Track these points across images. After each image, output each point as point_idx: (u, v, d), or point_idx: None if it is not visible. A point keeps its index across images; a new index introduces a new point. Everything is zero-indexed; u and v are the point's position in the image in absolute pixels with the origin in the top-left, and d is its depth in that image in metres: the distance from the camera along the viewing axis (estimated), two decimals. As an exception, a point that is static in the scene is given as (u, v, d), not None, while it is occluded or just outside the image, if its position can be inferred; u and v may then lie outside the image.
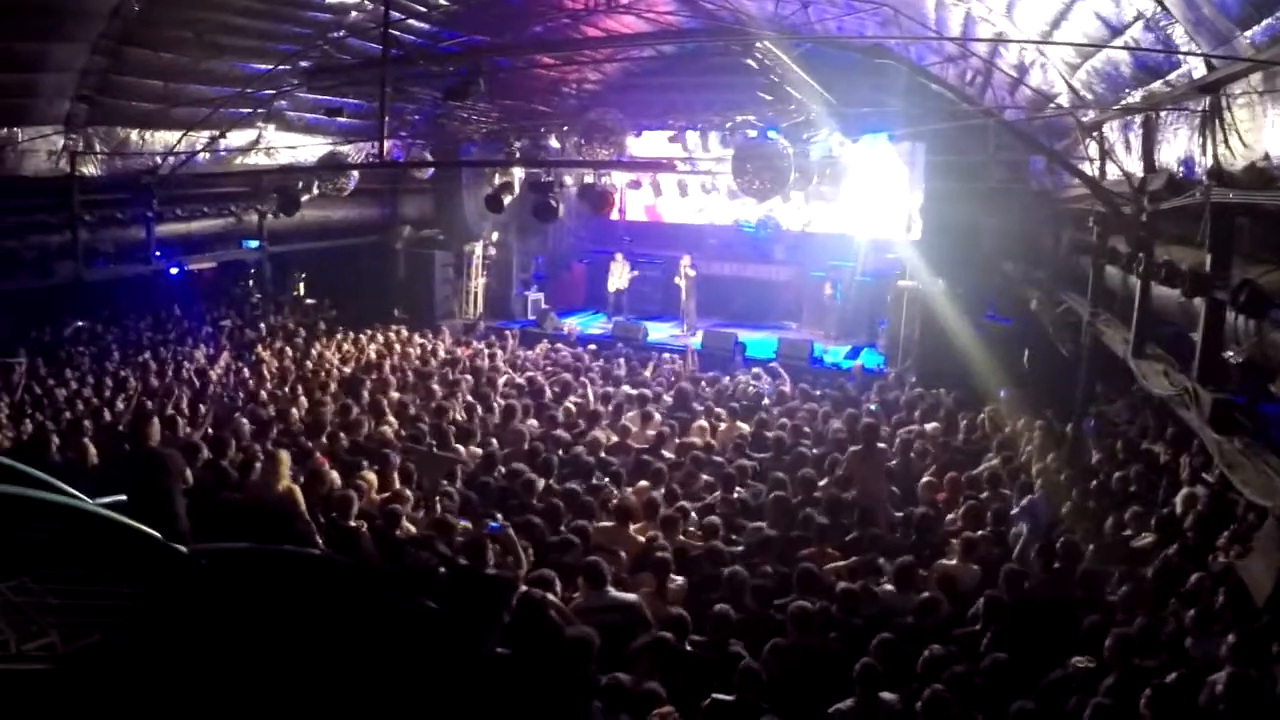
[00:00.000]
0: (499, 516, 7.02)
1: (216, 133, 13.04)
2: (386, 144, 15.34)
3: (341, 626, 5.53)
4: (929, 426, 10.71)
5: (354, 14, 12.64)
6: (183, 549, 5.94)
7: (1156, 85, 7.00)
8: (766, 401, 11.44)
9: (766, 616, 6.20)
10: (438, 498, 7.64)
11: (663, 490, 8.16)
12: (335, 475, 7.78)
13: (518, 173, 14.98)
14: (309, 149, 14.21)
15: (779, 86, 10.16)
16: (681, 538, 7.19)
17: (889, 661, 5.52)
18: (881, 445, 9.22)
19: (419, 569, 6.32)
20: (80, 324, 14.20)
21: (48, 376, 11.90)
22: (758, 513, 7.91)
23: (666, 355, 13.54)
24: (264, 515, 6.92)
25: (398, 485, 7.98)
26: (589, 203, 12.91)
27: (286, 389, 11.53)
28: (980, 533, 7.78)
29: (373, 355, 13.13)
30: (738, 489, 8.32)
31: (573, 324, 17.39)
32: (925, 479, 8.73)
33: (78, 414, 10.20)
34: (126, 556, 5.56)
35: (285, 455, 7.44)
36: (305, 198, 12.41)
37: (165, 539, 5.78)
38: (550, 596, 6.03)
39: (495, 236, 17.76)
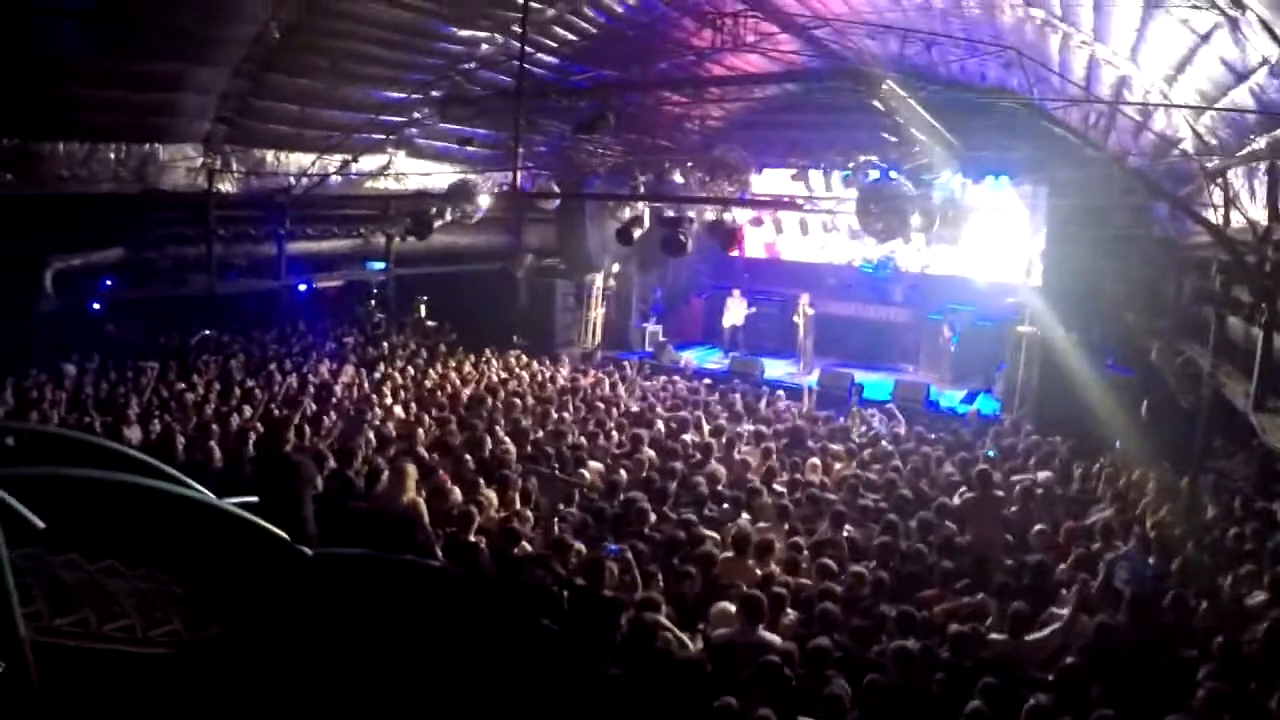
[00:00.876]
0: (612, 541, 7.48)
1: (348, 157, 14.17)
2: (514, 174, 16.59)
3: (457, 637, 6.09)
4: (1042, 475, 10.85)
5: (485, 47, 13.61)
6: (308, 552, 6.61)
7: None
8: (884, 443, 11.74)
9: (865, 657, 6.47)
10: (555, 519, 8.19)
11: (785, 526, 8.60)
12: (458, 491, 8.22)
13: (643, 206, 15.70)
14: (437, 176, 15.30)
15: (903, 128, 10.61)
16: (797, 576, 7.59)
17: (995, 706, 5.78)
18: (998, 491, 9.46)
19: (535, 587, 6.82)
20: (208, 332, 15.12)
21: (176, 381, 12.74)
22: (868, 553, 8.26)
23: (781, 393, 13.97)
24: (388, 525, 7.29)
25: (517, 505, 8.43)
26: (717, 239, 13.51)
27: (410, 406, 12.40)
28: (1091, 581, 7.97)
29: (493, 378, 13.97)
30: (848, 528, 8.69)
31: (689, 357, 18.02)
32: (1038, 527, 8.93)
33: (204, 418, 10.90)
34: (254, 555, 6.25)
35: (412, 469, 7.85)
36: (437, 224, 13.35)
37: (293, 541, 6.45)
38: (662, 620, 6.50)
39: (616, 268, 18.56)
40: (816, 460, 10.77)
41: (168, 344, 14.62)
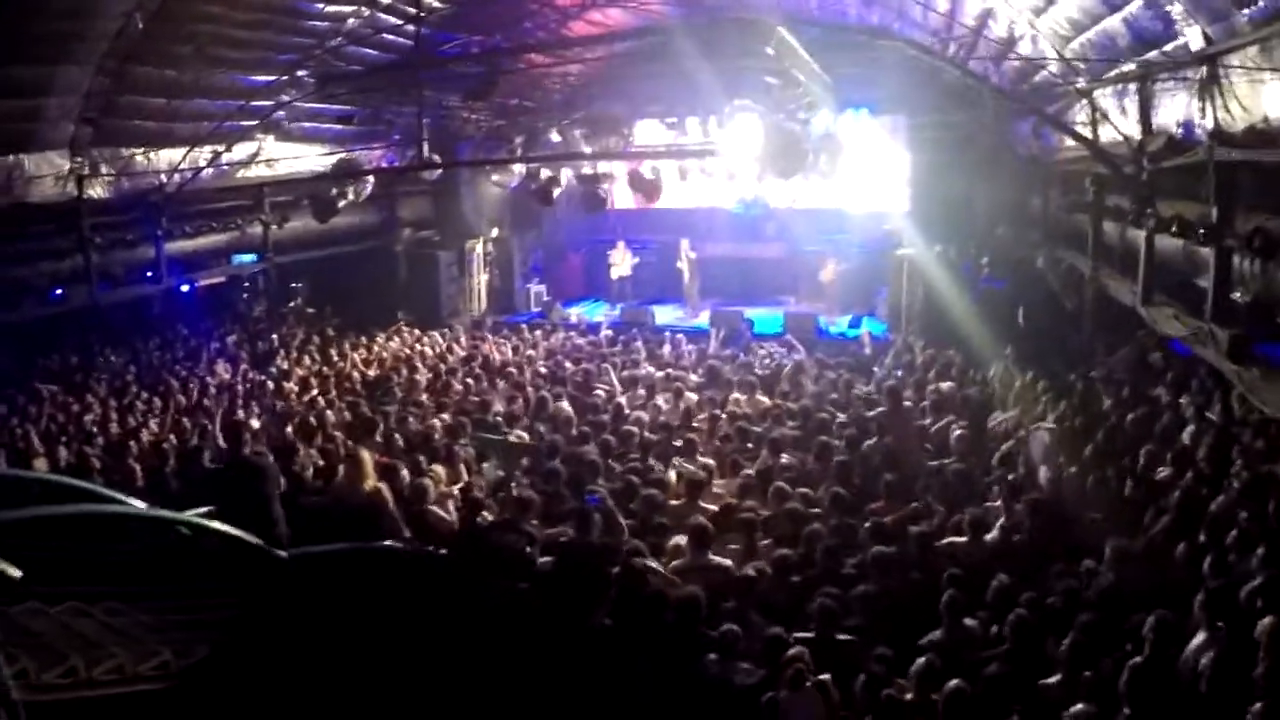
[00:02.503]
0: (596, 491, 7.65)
1: (219, 148, 13.50)
2: (378, 150, 16.14)
3: (446, 615, 6.13)
4: (944, 385, 11.63)
5: (351, 21, 13.19)
6: (283, 554, 6.46)
7: (1153, 55, 7.93)
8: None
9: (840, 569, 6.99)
10: (513, 484, 8.28)
11: (727, 460, 8.94)
12: (405, 470, 8.23)
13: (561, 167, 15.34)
14: (308, 159, 14.73)
15: (787, 71, 10.96)
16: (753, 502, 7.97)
17: (966, 592, 6.36)
18: (907, 404, 10.12)
19: (507, 551, 6.96)
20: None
21: (69, 403, 12.15)
22: (811, 476, 8.72)
23: (681, 337, 14.30)
24: (350, 515, 7.32)
25: (465, 476, 8.55)
26: (641, 190, 13.59)
27: (318, 395, 12.09)
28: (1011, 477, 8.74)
29: (394, 356, 13.73)
30: (785, 455, 9.12)
31: (579, 312, 18.15)
32: (957, 432, 9.63)
33: (111, 437, 10.51)
34: (227, 566, 6.08)
35: (368, 455, 7.90)
36: (341, 204, 12.90)
37: (266, 545, 6.29)
38: (650, 563, 6.74)
39: (495, 233, 18.40)
40: (739, 395, 11.17)
41: (48, 366, 13.69)
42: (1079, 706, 5.13)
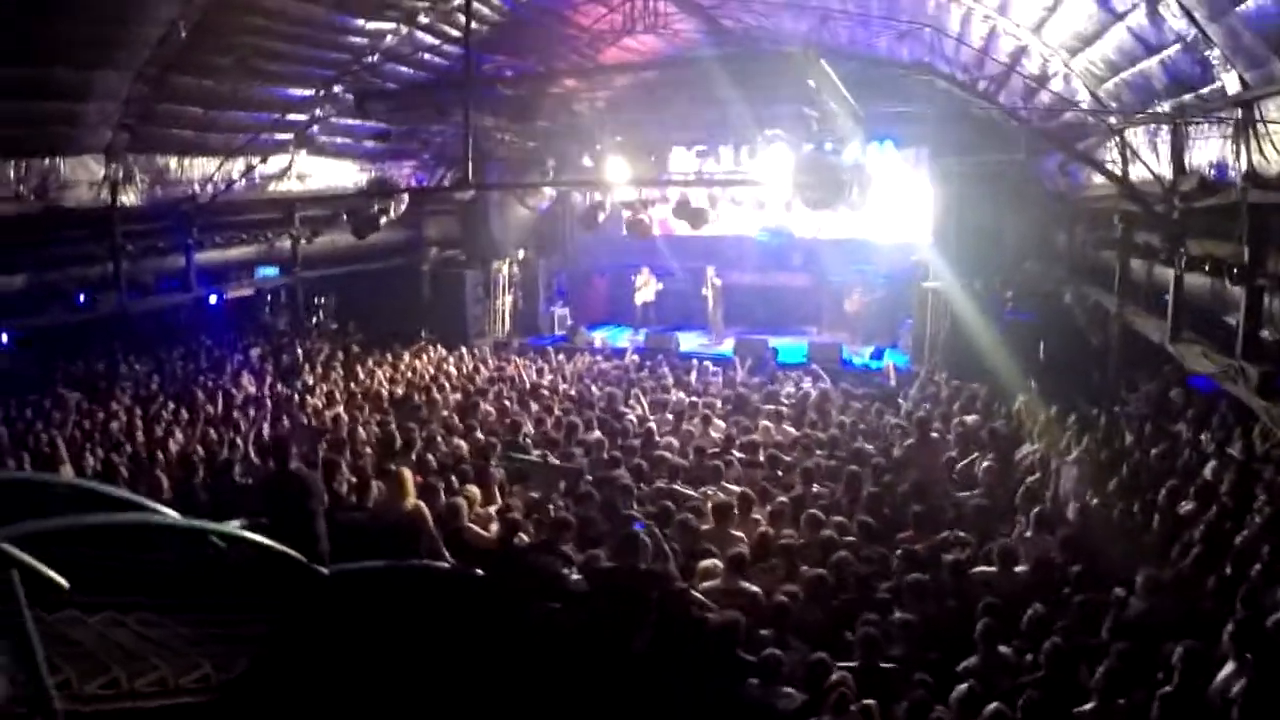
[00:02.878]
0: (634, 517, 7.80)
1: (254, 160, 13.78)
2: (407, 168, 16.47)
3: (484, 635, 6.26)
4: (969, 419, 11.82)
5: (389, 39, 13.51)
6: (324, 570, 6.57)
7: (1187, 97, 8.19)
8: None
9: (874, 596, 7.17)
10: (550, 506, 8.42)
11: (758, 487, 9.12)
12: (441, 490, 8.33)
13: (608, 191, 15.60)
14: (339, 175, 15.04)
15: (824, 102, 11.25)
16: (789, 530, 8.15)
17: (1000, 620, 6.53)
18: (934, 435, 10.31)
19: (543, 573, 7.09)
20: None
21: (94, 410, 12.28)
22: (840, 506, 8.90)
23: (708, 363, 14.52)
24: (390, 533, 7.40)
25: (498, 498, 8.67)
26: (686, 218, 13.85)
27: (344, 411, 12.29)
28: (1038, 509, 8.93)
29: (421, 375, 13.95)
30: (815, 485, 9.30)
31: (602, 336, 18.43)
32: (985, 464, 9.81)
33: (138, 446, 10.66)
34: (264, 580, 6.18)
35: (409, 473, 8.00)
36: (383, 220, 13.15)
37: (307, 560, 6.39)
38: (691, 589, 6.88)
39: (521, 254, 18.70)
40: (768, 423, 11.37)
41: (71, 372, 13.92)
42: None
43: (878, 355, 16.53)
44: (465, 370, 14.49)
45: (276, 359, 15.09)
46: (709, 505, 8.46)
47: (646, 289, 19.04)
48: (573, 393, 12.95)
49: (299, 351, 15.18)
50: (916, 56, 13.95)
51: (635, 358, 15.01)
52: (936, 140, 14.73)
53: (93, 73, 10.48)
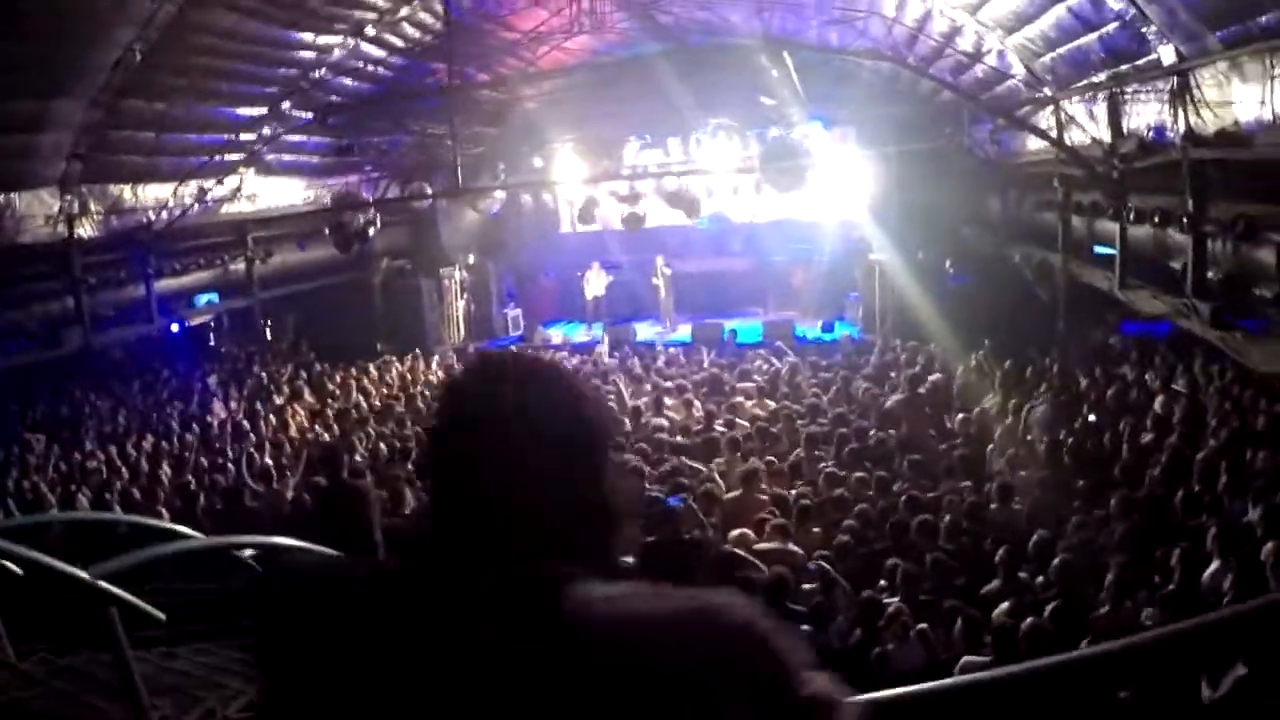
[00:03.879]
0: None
1: (207, 183, 13.90)
2: (354, 179, 16.78)
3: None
4: (933, 377, 12.90)
5: (337, 53, 13.84)
6: None
7: (1124, 68, 9.32)
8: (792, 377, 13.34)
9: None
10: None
11: (757, 459, 9.96)
12: None
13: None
14: (287, 193, 15.30)
15: (778, 89, 12.13)
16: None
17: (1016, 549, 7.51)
18: (922, 392, 11.36)
19: None
20: None
21: (68, 451, 12.24)
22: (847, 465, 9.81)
23: (673, 349, 15.31)
24: None
25: None
26: (681, 208, 14.51)
27: (329, 427, 12.65)
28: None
29: (387, 388, 14.36)
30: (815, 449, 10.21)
31: (559, 334, 18.99)
32: (960, 416, 10.89)
33: (125, 482, 10.67)
34: None
35: None
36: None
37: None
38: (738, 551, 7.65)
39: (471, 260, 19.13)
40: (746, 400, 12.23)
41: (28, 414, 13.86)
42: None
43: (828, 328, 17.64)
44: (438, 377, 14.93)
45: (240, 382, 15.26)
46: (737, 472, 9.24)
47: (596, 283, 19.72)
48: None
49: (263, 374, 15.36)
50: (845, 41, 14.98)
51: (603, 349, 15.66)
52: (871, 120, 15.81)
53: (49, 102, 10.44)
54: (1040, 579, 7.33)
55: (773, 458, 10.16)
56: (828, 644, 6.57)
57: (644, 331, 18.75)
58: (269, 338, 17.81)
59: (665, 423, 11.46)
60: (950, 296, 15.07)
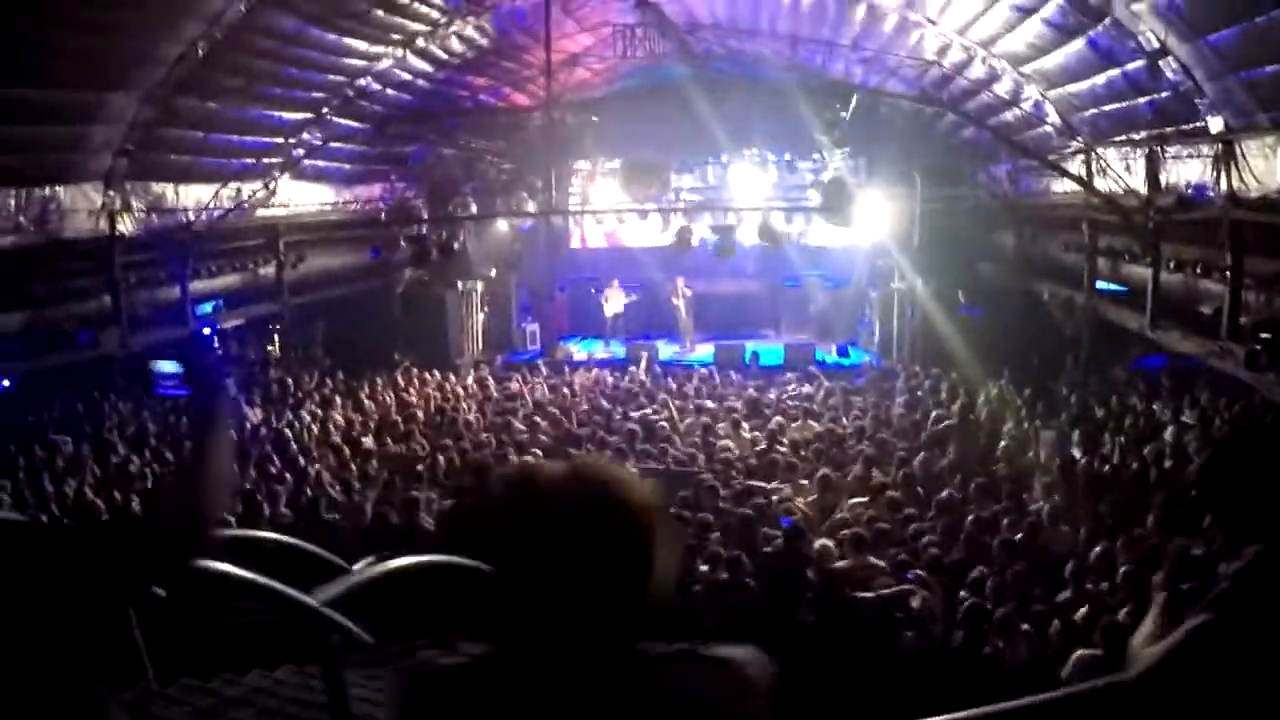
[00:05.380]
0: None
1: (248, 185, 14.75)
2: (376, 189, 17.82)
3: None
4: (955, 405, 14.43)
5: (384, 63, 14.87)
6: None
7: (1169, 130, 10.99)
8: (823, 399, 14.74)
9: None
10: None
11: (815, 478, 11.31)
12: None
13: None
14: (316, 198, 16.27)
15: (835, 125, 13.59)
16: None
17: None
18: (972, 419, 12.88)
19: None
20: None
21: (99, 453, 12.64)
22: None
23: (704, 371, 16.67)
24: None
25: None
26: (766, 239, 15.80)
27: (373, 440, 13.49)
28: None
29: (436, 398, 15.38)
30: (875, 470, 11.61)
31: (575, 349, 20.29)
32: (1003, 442, 12.45)
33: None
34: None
35: None
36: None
37: None
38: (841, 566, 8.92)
39: (493, 273, 20.21)
40: (784, 421, 13.59)
41: (51, 416, 14.28)
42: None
43: (843, 352, 19.20)
44: (469, 391, 15.97)
45: (265, 389, 15.98)
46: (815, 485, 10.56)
47: (615, 300, 20.98)
48: (604, 405, 14.74)
49: (289, 380, 16.15)
50: (871, 78, 16.58)
51: (641, 369, 16.93)
52: (893, 156, 17.46)
53: (106, 94, 11.03)
54: (1105, 584, 8.87)
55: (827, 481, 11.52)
56: (933, 646, 7.94)
57: (663, 350, 19.98)
58: (281, 345, 18.38)
59: (732, 445, 12.67)
60: (967, 327, 16.71)
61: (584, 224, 21.43)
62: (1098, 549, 9.17)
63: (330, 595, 4.83)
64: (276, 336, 18.09)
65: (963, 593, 8.53)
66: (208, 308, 17.01)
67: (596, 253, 22.69)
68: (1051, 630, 8.00)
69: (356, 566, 5.32)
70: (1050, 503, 10.61)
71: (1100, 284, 14.19)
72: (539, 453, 11.72)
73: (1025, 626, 7.87)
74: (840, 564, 9.01)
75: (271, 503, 10.37)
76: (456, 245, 13.32)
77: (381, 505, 10.08)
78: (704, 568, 8.64)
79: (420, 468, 11.81)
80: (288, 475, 11.90)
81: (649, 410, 14.03)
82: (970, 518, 10.04)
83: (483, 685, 1.61)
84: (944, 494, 10.63)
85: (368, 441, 13.40)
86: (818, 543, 9.34)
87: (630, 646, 1.59)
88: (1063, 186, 14.20)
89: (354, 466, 12.27)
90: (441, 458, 12.06)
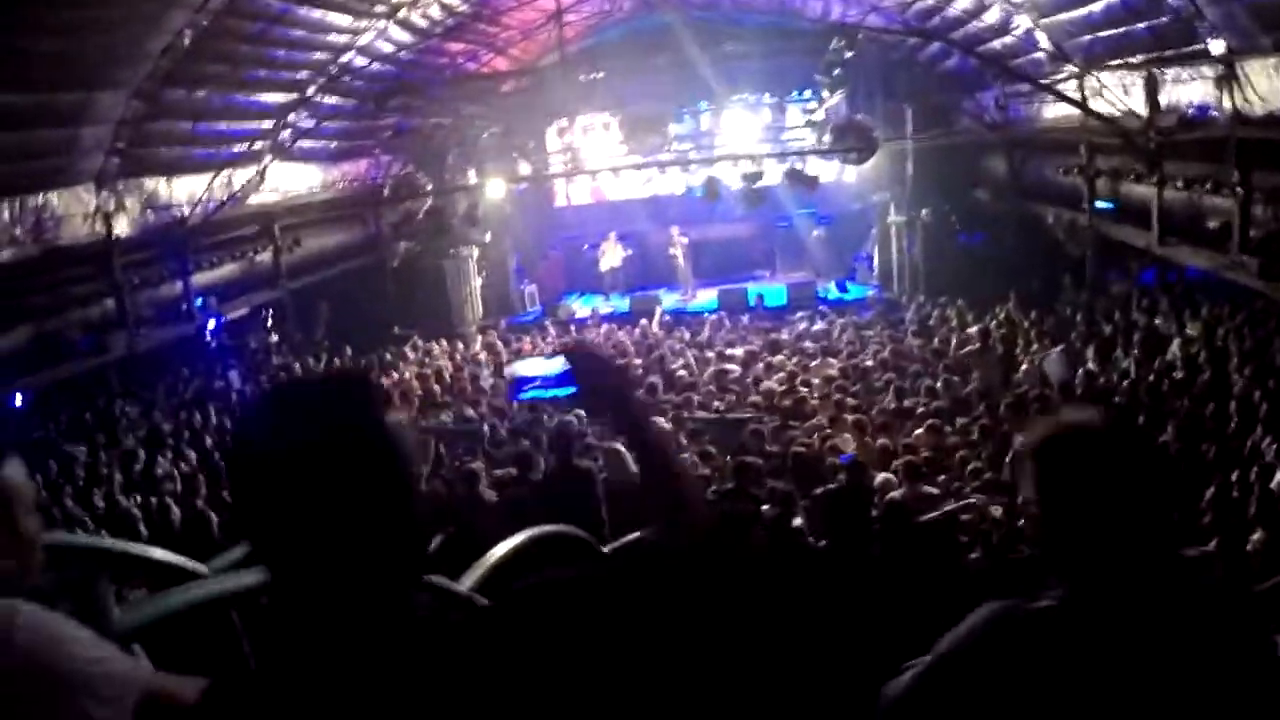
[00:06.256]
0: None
1: (240, 172, 14.95)
2: (360, 165, 18.13)
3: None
4: (971, 330, 15.28)
5: (366, 36, 15.11)
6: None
7: (1168, 53, 11.73)
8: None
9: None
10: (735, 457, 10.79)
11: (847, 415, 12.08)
12: None
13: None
14: (305, 179, 16.57)
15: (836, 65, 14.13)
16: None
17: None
18: (992, 343, 13.72)
19: (741, 515, 9.56)
20: None
21: (119, 459, 12.61)
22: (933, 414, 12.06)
23: (715, 317, 17.36)
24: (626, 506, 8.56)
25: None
26: (801, 185, 16.29)
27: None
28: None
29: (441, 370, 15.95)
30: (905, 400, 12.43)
31: (578, 305, 20.94)
32: (1025, 367, 13.32)
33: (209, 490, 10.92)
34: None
35: (624, 449, 8.87)
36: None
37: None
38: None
39: (488, 237, 20.62)
40: (816, 361, 14.36)
41: (52, 429, 14.28)
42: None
43: (842, 288, 20.02)
44: (481, 357, 16.50)
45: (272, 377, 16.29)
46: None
47: (612, 254, 21.55)
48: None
49: (295, 366, 16.54)
50: (850, 13, 17.13)
51: (654, 321, 17.61)
52: (881, 90, 18.12)
53: (94, 93, 11.07)
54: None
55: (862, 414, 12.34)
56: (996, 562, 8.75)
57: (665, 300, 20.59)
58: (280, 331, 18.59)
59: (770, 386, 13.21)
60: (966, 254, 17.56)
61: (565, 181, 21.87)
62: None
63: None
64: (270, 323, 18.37)
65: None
66: (198, 301, 17.26)
67: (582, 209, 23.22)
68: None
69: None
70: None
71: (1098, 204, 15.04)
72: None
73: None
74: (897, 493, 9.88)
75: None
76: (479, 213, 13.68)
77: (434, 479, 10.29)
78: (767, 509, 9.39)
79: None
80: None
81: (678, 365, 14.61)
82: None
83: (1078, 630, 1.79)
84: (978, 416, 11.47)
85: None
86: (880, 476, 10.13)
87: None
88: (1055, 111, 14.96)
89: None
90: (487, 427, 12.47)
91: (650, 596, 1.49)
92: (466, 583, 5.19)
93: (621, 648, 1.42)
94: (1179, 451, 9.79)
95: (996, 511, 9.23)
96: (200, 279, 15.58)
